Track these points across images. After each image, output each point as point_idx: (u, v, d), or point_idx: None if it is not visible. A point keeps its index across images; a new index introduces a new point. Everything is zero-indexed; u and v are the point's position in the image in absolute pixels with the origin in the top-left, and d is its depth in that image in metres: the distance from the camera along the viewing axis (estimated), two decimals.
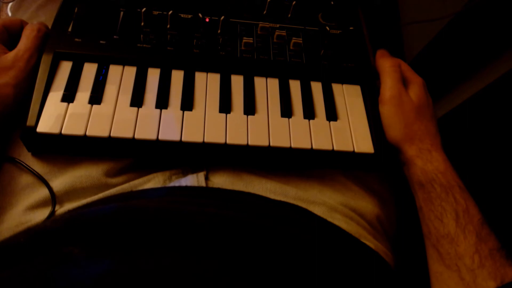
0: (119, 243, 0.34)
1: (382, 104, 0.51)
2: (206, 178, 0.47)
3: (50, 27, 0.50)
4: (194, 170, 0.48)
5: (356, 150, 0.48)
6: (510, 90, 0.85)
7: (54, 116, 0.44)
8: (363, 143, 0.49)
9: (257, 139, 0.47)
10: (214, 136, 0.46)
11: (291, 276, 0.35)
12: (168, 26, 0.51)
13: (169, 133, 0.45)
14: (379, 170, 0.55)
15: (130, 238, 0.34)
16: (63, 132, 0.43)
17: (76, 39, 0.49)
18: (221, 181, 0.48)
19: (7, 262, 0.31)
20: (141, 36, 0.50)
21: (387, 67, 0.52)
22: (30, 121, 0.44)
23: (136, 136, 0.44)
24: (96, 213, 0.37)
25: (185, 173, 0.48)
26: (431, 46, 0.96)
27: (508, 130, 0.90)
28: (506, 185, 0.87)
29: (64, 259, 0.31)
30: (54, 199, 0.44)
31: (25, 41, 0.47)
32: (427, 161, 0.47)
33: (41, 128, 0.43)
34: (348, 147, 0.48)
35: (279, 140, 0.47)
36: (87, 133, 0.44)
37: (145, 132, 0.45)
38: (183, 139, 0.45)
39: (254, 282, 0.33)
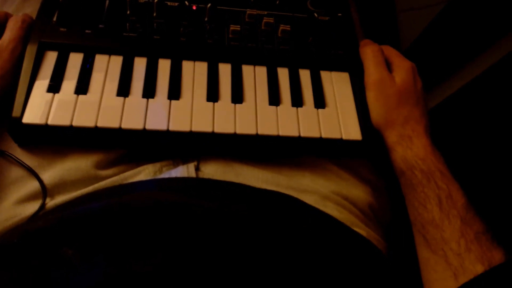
0: (110, 242, 0.34)
1: (366, 90, 0.51)
2: (197, 169, 0.47)
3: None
4: (185, 161, 0.48)
5: (344, 137, 0.48)
6: (506, 76, 0.84)
7: (40, 106, 0.44)
8: (351, 130, 0.49)
9: (245, 127, 0.47)
10: (202, 125, 0.46)
11: (288, 268, 0.35)
12: (154, 14, 0.51)
13: (156, 122, 0.45)
14: (367, 157, 0.54)
15: (121, 236, 0.34)
16: (49, 122, 0.43)
17: (61, 29, 0.48)
18: (212, 171, 0.47)
19: (3, 263, 0.31)
20: (127, 25, 0.50)
21: (368, 53, 0.52)
22: (15, 112, 0.43)
23: (122, 126, 0.44)
24: (87, 211, 0.37)
25: (175, 164, 0.48)
26: (426, 33, 0.95)
27: (504, 118, 0.90)
28: (498, 173, 0.87)
29: (60, 261, 0.31)
30: (45, 192, 0.44)
31: (9, 32, 0.47)
32: (407, 148, 0.47)
33: (27, 119, 0.43)
34: (336, 135, 0.48)
35: (267, 128, 0.47)
36: (74, 124, 0.44)
37: (132, 121, 0.45)
38: (170, 128, 0.45)
39: (253, 283, 0.33)
